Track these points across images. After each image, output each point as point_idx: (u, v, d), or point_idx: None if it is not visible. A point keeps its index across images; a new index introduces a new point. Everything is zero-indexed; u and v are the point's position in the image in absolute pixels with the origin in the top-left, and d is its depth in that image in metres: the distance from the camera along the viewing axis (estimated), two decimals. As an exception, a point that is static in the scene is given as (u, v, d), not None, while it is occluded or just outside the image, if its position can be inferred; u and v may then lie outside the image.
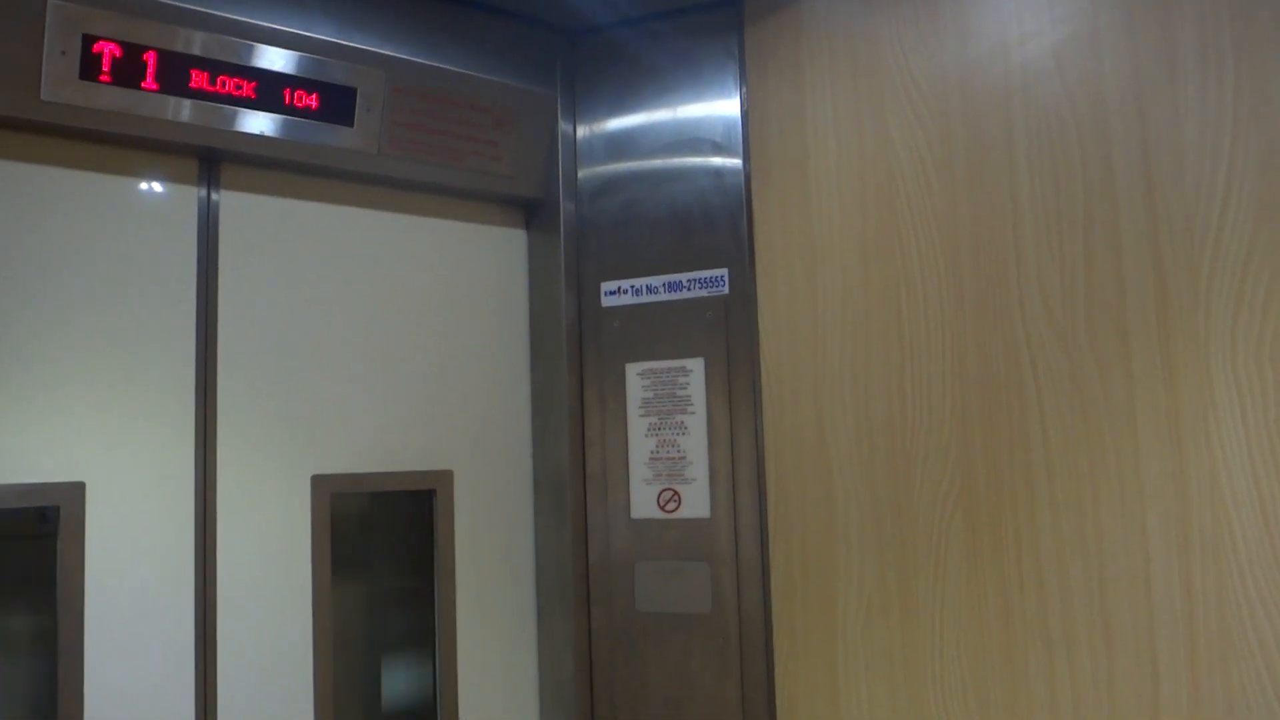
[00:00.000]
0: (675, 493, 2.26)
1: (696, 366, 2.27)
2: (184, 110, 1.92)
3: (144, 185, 1.99)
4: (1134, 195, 1.80)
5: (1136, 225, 1.80)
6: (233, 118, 1.97)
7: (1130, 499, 1.78)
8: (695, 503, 2.24)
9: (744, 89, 2.30)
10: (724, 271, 2.26)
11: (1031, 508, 1.88)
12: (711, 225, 2.28)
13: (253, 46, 1.96)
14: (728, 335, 2.25)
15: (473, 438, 2.39)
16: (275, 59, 1.99)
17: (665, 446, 2.28)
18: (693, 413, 2.26)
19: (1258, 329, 1.67)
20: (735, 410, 2.23)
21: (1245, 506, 1.67)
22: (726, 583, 2.20)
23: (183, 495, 1.97)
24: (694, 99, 2.33)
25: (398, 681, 2.34)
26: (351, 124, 2.11)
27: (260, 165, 2.11)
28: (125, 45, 1.83)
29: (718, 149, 2.29)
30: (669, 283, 2.30)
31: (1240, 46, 1.71)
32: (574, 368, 2.36)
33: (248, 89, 1.98)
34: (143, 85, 1.86)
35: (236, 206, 2.10)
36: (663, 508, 2.27)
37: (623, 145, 2.38)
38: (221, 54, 1.93)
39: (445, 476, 2.33)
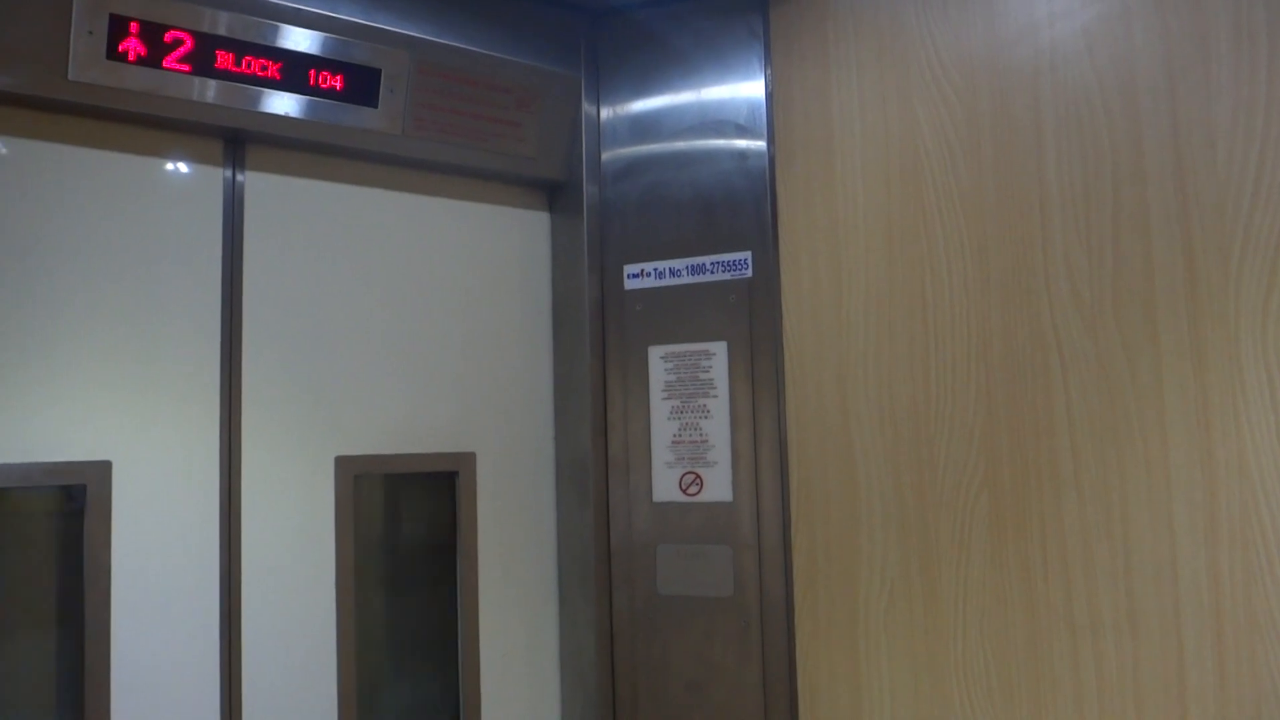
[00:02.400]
0: (697, 476, 2.26)
1: (719, 350, 2.26)
2: (210, 91, 1.92)
3: (170, 166, 2.00)
4: (1164, 176, 1.78)
5: (1166, 207, 1.77)
6: (258, 98, 1.98)
7: (1157, 484, 1.77)
8: (717, 486, 2.24)
9: (769, 70, 2.28)
10: (747, 254, 2.25)
11: (1057, 492, 1.87)
12: (735, 208, 2.27)
13: (278, 27, 1.96)
14: (751, 318, 2.24)
15: (495, 420, 2.39)
16: (300, 40, 1.99)
17: (687, 430, 2.27)
18: (715, 396, 2.26)
19: (1290, 312, 1.65)
20: (758, 393, 2.22)
21: (1274, 492, 1.65)
22: (748, 566, 2.20)
23: (208, 474, 1.98)
24: (718, 81, 2.32)
25: (421, 662, 2.35)
26: (376, 105, 2.11)
27: (285, 146, 2.12)
28: (152, 25, 1.84)
29: (742, 131, 2.28)
30: (692, 265, 2.30)
31: (1274, 26, 1.68)
32: (596, 350, 2.35)
33: (273, 70, 1.98)
34: (169, 65, 1.87)
35: (261, 187, 2.10)
36: (685, 491, 2.27)
37: (646, 127, 2.37)
38: (247, 34, 1.93)
39: (468, 458, 2.34)
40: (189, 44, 1.88)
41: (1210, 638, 1.71)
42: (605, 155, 2.40)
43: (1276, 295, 1.66)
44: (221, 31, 1.91)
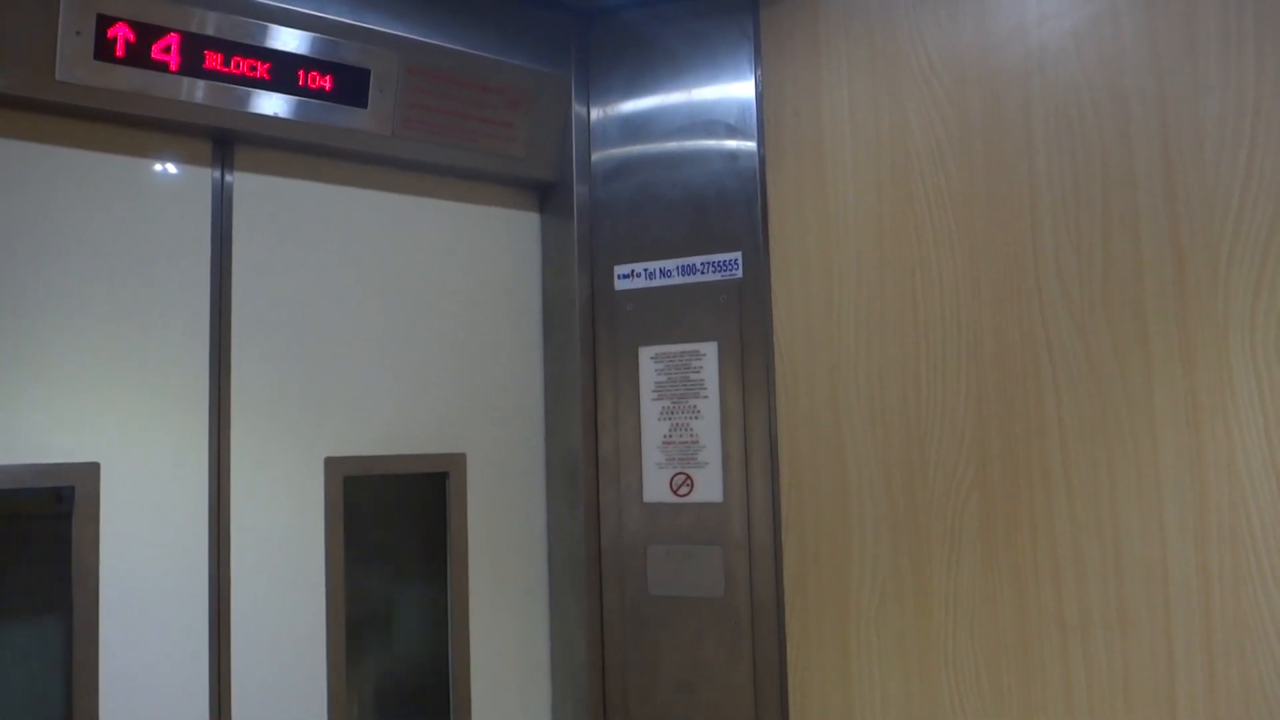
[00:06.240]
0: (688, 477, 2.26)
1: (710, 350, 2.26)
2: (198, 91, 1.92)
3: (158, 166, 1.99)
4: (1153, 176, 1.78)
5: (1155, 207, 1.78)
6: (247, 99, 1.97)
7: (1147, 484, 1.77)
8: (708, 487, 2.24)
9: (759, 71, 2.28)
10: (738, 255, 2.25)
11: (1047, 492, 1.87)
12: (726, 208, 2.27)
13: (267, 27, 1.95)
14: (741, 319, 2.24)
15: (486, 421, 2.39)
16: (289, 40, 1.99)
17: (678, 430, 2.27)
18: (706, 397, 2.25)
19: (1278, 311, 1.65)
20: (748, 394, 2.22)
21: (1263, 492, 1.66)
22: (739, 567, 2.20)
23: (196, 476, 1.97)
24: (709, 81, 2.31)
25: (411, 663, 2.34)
26: (365, 105, 2.10)
27: (274, 147, 2.11)
28: (140, 25, 1.83)
29: (732, 131, 2.28)
30: (682, 266, 2.30)
31: (1263, 26, 1.69)
32: (587, 351, 2.35)
33: (262, 70, 1.97)
34: (157, 66, 1.86)
35: (250, 188, 2.10)
36: (675, 492, 2.26)
37: (637, 128, 2.37)
38: (236, 35, 1.93)
39: (458, 459, 2.33)
40: (177, 44, 1.87)
41: (1200, 637, 1.71)
42: (595, 156, 2.40)
43: (1265, 295, 1.66)
44: (210, 32, 1.90)
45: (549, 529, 2.46)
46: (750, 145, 2.26)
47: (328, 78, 2.05)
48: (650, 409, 2.30)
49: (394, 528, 2.36)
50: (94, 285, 1.89)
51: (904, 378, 2.05)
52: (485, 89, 2.24)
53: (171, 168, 2.01)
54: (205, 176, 2.05)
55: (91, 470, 1.86)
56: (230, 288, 2.05)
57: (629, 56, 2.39)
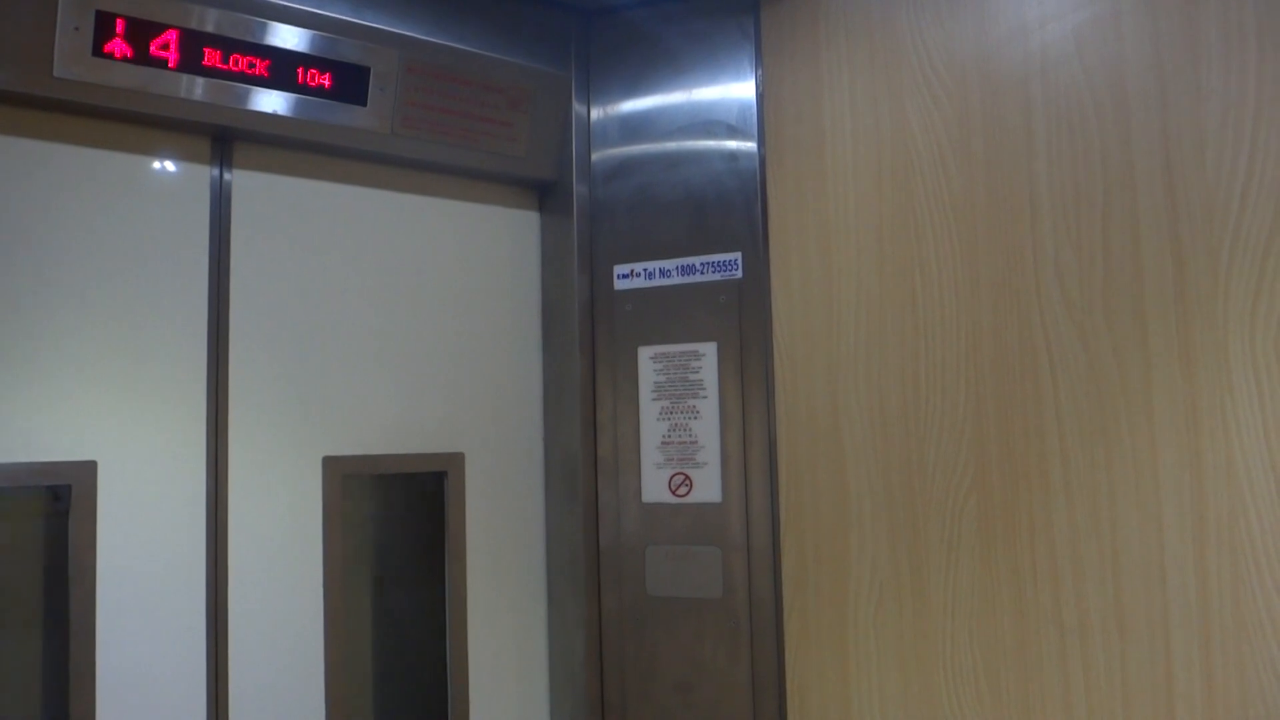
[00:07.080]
0: (686, 477, 2.25)
1: (709, 350, 2.26)
2: (197, 88, 1.91)
3: (157, 164, 1.99)
4: (1153, 179, 1.78)
5: (1155, 210, 1.78)
6: (246, 96, 1.96)
7: (1146, 486, 1.77)
8: (707, 487, 2.24)
9: (760, 71, 2.28)
10: (738, 255, 2.25)
11: (1046, 494, 1.87)
12: (726, 208, 2.27)
13: (266, 25, 1.95)
14: (741, 319, 2.24)
15: (484, 420, 2.38)
16: (289, 37, 1.98)
17: (677, 431, 2.27)
18: (705, 397, 2.25)
19: (1278, 315, 1.65)
20: (748, 394, 2.22)
21: (1262, 495, 1.66)
22: (737, 568, 2.20)
23: (194, 474, 1.97)
24: (709, 81, 2.31)
25: (409, 663, 2.34)
26: (365, 103, 2.10)
27: (273, 144, 2.11)
28: (139, 22, 1.83)
29: (733, 132, 2.28)
30: (682, 266, 2.29)
31: (1264, 29, 1.69)
32: (586, 351, 2.35)
33: (261, 67, 1.97)
34: (156, 63, 1.85)
35: (249, 186, 2.09)
36: (674, 492, 2.26)
37: (637, 127, 2.37)
38: (235, 32, 1.92)
39: (457, 459, 2.33)
40: (176, 41, 1.86)
41: (1198, 639, 1.71)
42: (595, 155, 2.39)
43: (1264, 298, 1.66)
44: (209, 28, 1.89)
45: (547, 529, 2.46)
46: (750, 145, 2.26)
47: (327, 75, 2.04)
48: (649, 409, 2.30)
49: (392, 527, 2.36)
50: (92, 283, 1.89)
51: (903, 378, 2.05)
52: (485, 87, 2.24)
53: (170, 165, 2.00)
54: (204, 174, 2.04)
55: (89, 469, 1.85)
56: (228, 285, 2.04)
57: (629, 56, 2.39)
